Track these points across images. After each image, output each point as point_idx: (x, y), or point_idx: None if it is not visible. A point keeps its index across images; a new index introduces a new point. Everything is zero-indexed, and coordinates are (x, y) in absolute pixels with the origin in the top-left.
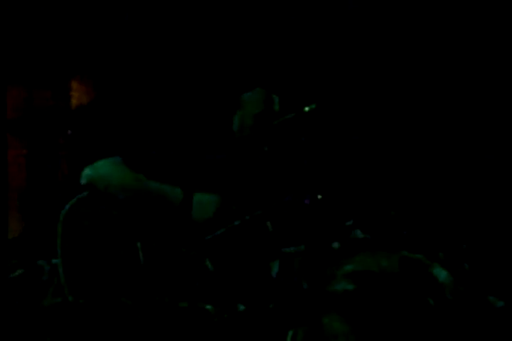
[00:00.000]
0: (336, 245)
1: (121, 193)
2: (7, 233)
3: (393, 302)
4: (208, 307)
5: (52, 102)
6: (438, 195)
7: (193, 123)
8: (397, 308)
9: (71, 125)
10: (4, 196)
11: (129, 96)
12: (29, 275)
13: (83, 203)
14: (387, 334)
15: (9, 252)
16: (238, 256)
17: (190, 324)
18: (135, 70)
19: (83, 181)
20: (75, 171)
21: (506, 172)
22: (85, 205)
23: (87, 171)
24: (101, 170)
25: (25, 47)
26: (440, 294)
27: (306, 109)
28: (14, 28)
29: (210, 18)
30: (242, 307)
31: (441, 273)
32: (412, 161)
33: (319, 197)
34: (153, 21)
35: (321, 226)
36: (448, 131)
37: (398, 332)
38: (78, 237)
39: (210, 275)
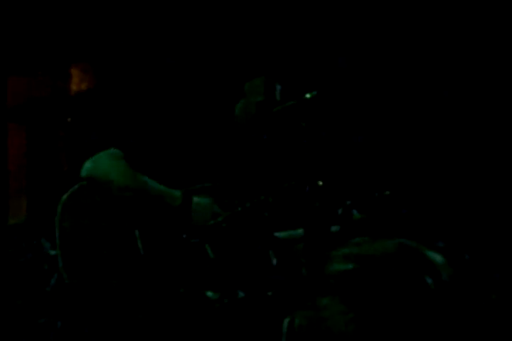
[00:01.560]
0: (334, 229)
1: (119, 191)
2: (7, 219)
3: (391, 281)
4: (209, 293)
5: (52, 89)
6: (440, 185)
7: (195, 113)
8: (394, 287)
9: (71, 112)
10: (5, 183)
11: (129, 84)
12: (33, 261)
13: (81, 194)
14: (386, 312)
15: (12, 238)
16: (239, 243)
17: (190, 310)
18: (136, 57)
19: (83, 174)
20: (75, 159)
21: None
22: (83, 196)
23: (87, 164)
24: (101, 165)
25: (24, 34)
26: (437, 275)
27: (308, 95)
28: (14, 15)
29: (214, 7)
30: (241, 294)
31: (437, 258)
32: (413, 148)
33: (320, 183)
34: (155, 9)
35: (320, 209)
36: (448, 116)
37: (396, 311)
38: (76, 227)
39: (211, 263)
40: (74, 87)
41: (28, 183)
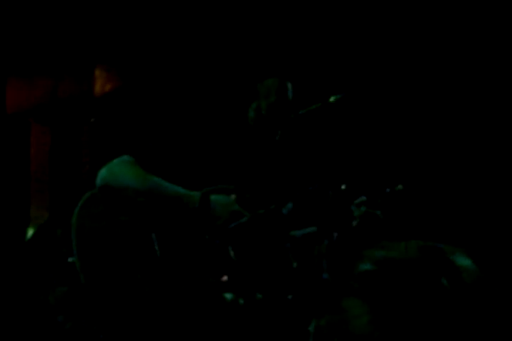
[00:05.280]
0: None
1: (135, 197)
2: (29, 222)
3: (410, 282)
4: (228, 295)
5: (76, 90)
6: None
7: (210, 114)
8: (413, 288)
9: (94, 113)
10: (27, 185)
11: (152, 85)
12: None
13: (95, 199)
14: (405, 314)
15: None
16: (260, 245)
17: (206, 312)
18: (157, 57)
19: (99, 182)
20: (98, 160)
21: None
22: (97, 201)
23: (102, 173)
24: (116, 172)
25: (49, 35)
26: (456, 277)
27: (332, 99)
28: (38, 15)
29: (229, 11)
30: (259, 296)
31: (463, 262)
32: (433, 147)
33: (343, 187)
34: (177, 15)
35: (334, 207)
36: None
37: (415, 311)
38: (92, 233)
39: (232, 264)
40: (98, 88)
41: (50, 184)
